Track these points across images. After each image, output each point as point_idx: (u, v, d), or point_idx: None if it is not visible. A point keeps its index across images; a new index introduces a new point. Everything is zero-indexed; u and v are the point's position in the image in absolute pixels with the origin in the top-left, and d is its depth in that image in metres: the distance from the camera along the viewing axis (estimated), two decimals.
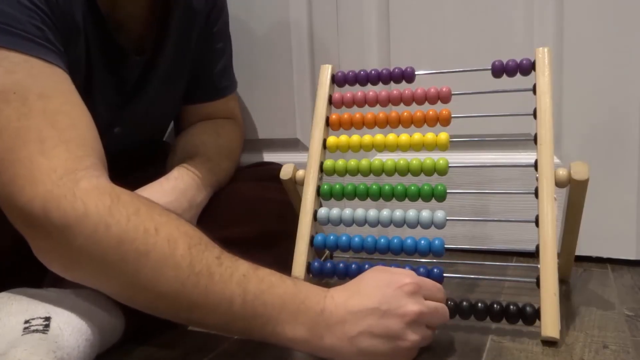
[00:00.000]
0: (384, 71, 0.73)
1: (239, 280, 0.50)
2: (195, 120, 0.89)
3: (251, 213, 0.77)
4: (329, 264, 0.67)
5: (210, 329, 0.55)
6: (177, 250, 0.49)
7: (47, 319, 0.49)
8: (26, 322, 0.48)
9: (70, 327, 0.50)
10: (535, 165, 0.63)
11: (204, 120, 0.90)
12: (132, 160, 0.81)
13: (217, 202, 0.77)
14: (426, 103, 0.70)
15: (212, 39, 0.87)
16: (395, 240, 0.66)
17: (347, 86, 0.75)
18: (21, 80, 0.52)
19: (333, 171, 0.71)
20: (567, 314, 0.65)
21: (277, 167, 0.78)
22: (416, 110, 0.70)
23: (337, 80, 0.75)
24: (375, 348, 0.49)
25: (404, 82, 0.73)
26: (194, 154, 0.79)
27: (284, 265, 0.69)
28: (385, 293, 0.50)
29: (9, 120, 0.50)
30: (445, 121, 0.69)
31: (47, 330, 0.48)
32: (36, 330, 0.47)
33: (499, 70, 0.68)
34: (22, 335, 0.46)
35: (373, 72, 0.73)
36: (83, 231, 0.48)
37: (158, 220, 0.51)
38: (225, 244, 0.57)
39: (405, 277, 0.52)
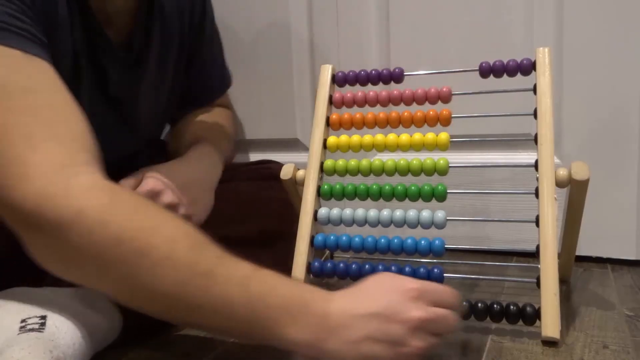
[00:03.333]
0: (384, 71, 0.73)
1: (241, 281, 0.49)
2: (191, 114, 0.91)
3: (251, 212, 0.77)
4: (329, 264, 0.67)
5: (210, 331, 0.54)
6: (177, 250, 0.48)
7: (43, 317, 0.49)
8: (22, 321, 0.48)
9: (66, 325, 0.49)
10: (536, 165, 0.63)
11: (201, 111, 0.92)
12: (127, 164, 0.81)
13: (217, 200, 0.77)
14: (426, 103, 0.70)
15: (202, 37, 0.87)
16: (395, 241, 0.66)
17: (347, 86, 0.75)
18: (4, 74, 0.49)
19: (333, 171, 0.71)
20: (567, 314, 0.65)
21: (277, 165, 0.78)
22: (416, 110, 0.70)
23: (337, 80, 0.75)
24: (376, 353, 0.48)
25: (404, 82, 0.73)
26: (201, 136, 0.81)
27: (283, 265, 0.69)
28: (390, 298, 0.49)
29: None
30: (445, 121, 0.69)
31: (43, 329, 0.48)
32: (32, 329, 0.47)
33: (499, 70, 0.68)
34: (19, 334, 0.46)
35: (373, 72, 0.73)
36: (79, 230, 0.46)
37: (157, 219, 0.50)
38: (225, 243, 0.56)
39: (410, 282, 0.51)
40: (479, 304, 0.60)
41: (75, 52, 0.64)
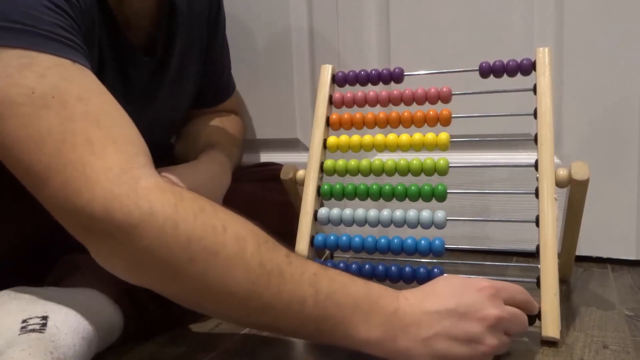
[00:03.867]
0: (384, 71, 0.73)
1: (310, 279, 0.48)
2: (201, 115, 0.92)
3: (252, 213, 0.78)
4: (329, 264, 0.67)
5: (279, 332, 0.52)
6: (246, 248, 0.47)
7: (45, 317, 0.49)
8: (23, 321, 0.48)
9: (67, 326, 0.49)
10: (536, 165, 0.63)
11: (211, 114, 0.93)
12: None
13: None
14: (426, 103, 0.70)
15: (215, 42, 0.88)
16: (395, 241, 0.66)
17: (347, 86, 0.75)
18: (57, 83, 0.49)
19: (333, 171, 0.71)
20: (567, 314, 0.65)
21: (279, 167, 0.78)
22: (416, 110, 0.70)
23: (338, 80, 0.75)
24: (451, 351, 0.47)
25: (404, 82, 0.73)
26: (213, 142, 0.82)
27: None
28: (464, 295, 0.49)
29: (51, 125, 0.47)
30: (445, 121, 0.69)
31: (44, 330, 0.47)
32: (33, 330, 0.47)
33: (499, 70, 0.68)
34: (19, 334, 0.46)
35: (373, 72, 0.73)
36: (150, 231, 0.45)
37: (224, 218, 0.49)
38: None
39: (483, 281, 0.51)
40: None
41: (101, 57, 0.65)
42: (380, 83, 0.74)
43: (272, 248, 0.49)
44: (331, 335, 0.48)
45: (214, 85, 0.92)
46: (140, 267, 0.47)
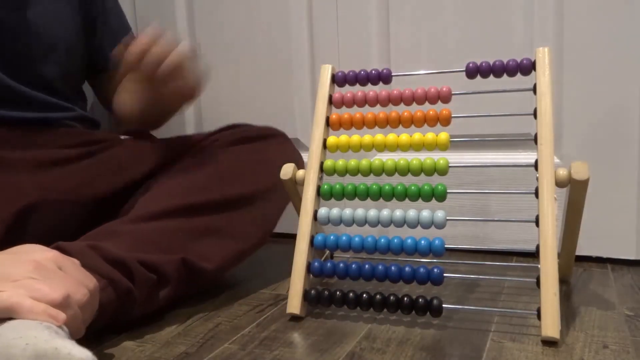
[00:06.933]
0: (384, 71, 0.73)
1: None
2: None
3: (237, 175, 0.78)
4: (329, 264, 0.67)
5: None
6: None
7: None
8: None
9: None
10: (536, 165, 0.63)
11: None
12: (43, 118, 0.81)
13: (199, 167, 0.78)
14: (426, 103, 0.70)
15: None
16: (395, 240, 0.66)
17: (347, 86, 0.75)
18: None
19: (333, 171, 0.71)
20: (567, 314, 0.65)
21: (250, 127, 0.83)
22: (416, 110, 0.70)
23: (337, 80, 0.75)
24: None
25: (404, 82, 0.73)
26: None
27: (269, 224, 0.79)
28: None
29: None
30: (445, 121, 0.69)
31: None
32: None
33: (499, 70, 0.68)
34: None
35: (373, 72, 0.73)
36: None
37: None
38: (217, 206, 0.61)
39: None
40: (391, 297, 0.62)
41: None
42: (381, 83, 0.74)
43: None
44: None
45: (108, 35, 0.92)
46: None
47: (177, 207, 0.70)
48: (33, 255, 0.50)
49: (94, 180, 0.77)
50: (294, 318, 0.66)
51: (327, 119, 0.73)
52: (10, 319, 0.45)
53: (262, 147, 0.82)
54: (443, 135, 0.67)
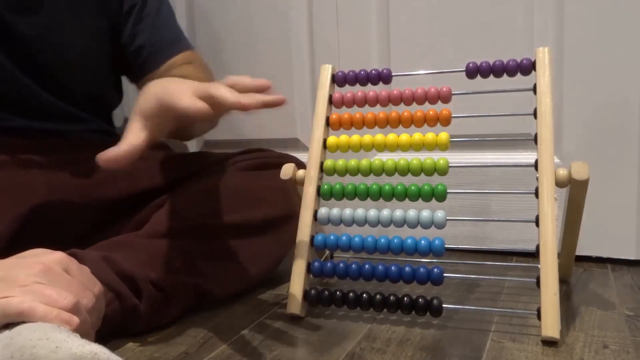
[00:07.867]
0: (384, 71, 0.73)
1: None
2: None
3: (249, 201, 0.77)
4: (329, 264, 0.67)
5: None
6: None
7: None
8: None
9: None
10: (536, 165, 0.63)
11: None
12: (57, 132, 0.79)
13: (213, 191, 0.77)
14: (426, 103, 0.70)
15: None
16: (395, 240, 0.66)
17: (347, 86, 0.75)
18: None
19: (333, 171, 0.71)
20: (567, 314, 0.65)
21: (270, 153, 0.81)
22: (416, 110, 0.70)
23: (337, 80, 0.75)
24: None
25: (404, 82, 0.73)
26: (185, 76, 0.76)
27: (286, 250, 0.77)
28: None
29: None
30: (445, 121, 0.69)
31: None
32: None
33: (499, 70, 0.68)
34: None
35: (373, 72, 0.73)
36: None
37: None
38: (227, 231, 0.61)
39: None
40: (391, 297, 0.63)
41: None
42: (381, 83, 0.74)
43: None
44: None
45: (158, 38, 0.87)
46: None
47: (194, 227, 0.70)
48: (40, 258, 0.50)
49: (103, 183, 0.77)
50: (294, 318, 0.66)
51: (327, 119, 0.73)
52: (20, 324, 0.44)
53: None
54: (443, 135, 0.67)
